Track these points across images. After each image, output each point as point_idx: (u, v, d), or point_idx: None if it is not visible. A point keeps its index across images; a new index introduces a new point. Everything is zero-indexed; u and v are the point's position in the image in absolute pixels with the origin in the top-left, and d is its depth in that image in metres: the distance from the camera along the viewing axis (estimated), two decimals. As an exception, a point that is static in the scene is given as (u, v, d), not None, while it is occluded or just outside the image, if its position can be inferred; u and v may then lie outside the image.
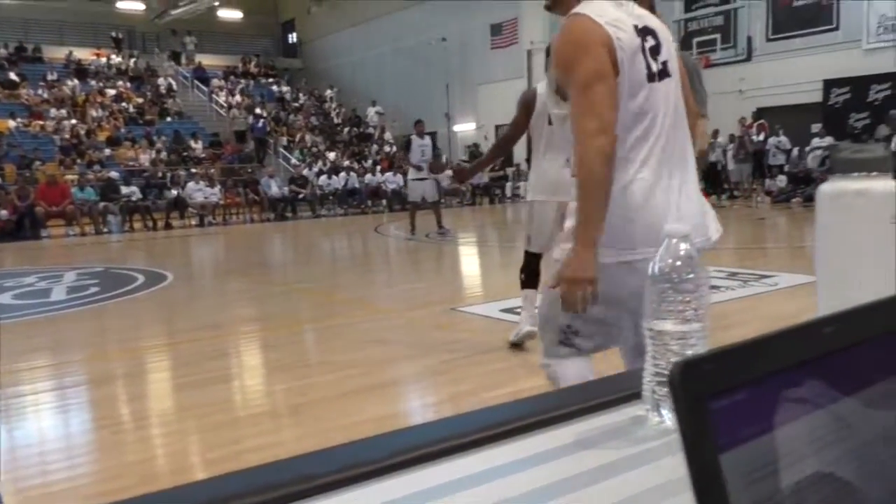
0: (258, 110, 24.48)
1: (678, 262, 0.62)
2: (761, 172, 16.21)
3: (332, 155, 23.16)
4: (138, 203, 16.99)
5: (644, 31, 1.87)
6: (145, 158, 20.50)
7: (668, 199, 1.85)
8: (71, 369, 5.03)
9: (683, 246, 0.62)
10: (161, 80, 26.71)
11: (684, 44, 17.70)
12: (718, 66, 17.47)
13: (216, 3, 27.32)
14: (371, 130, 26.42)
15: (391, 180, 20.11)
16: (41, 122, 21.63)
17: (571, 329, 2.01)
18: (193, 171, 19.45)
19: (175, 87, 26.88)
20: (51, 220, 15.88)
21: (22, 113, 21.86)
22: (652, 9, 2.10)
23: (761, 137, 16.15)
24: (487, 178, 21.58)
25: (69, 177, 17.69)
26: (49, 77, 24.44)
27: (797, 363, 0.35)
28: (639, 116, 1.86)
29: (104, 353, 5.39)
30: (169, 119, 24.45)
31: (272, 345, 5.39)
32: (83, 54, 26.83)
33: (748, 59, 17.20)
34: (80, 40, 27.70)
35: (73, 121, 22.13)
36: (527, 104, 4.29)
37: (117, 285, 8.19)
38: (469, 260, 10.58)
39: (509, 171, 21.67)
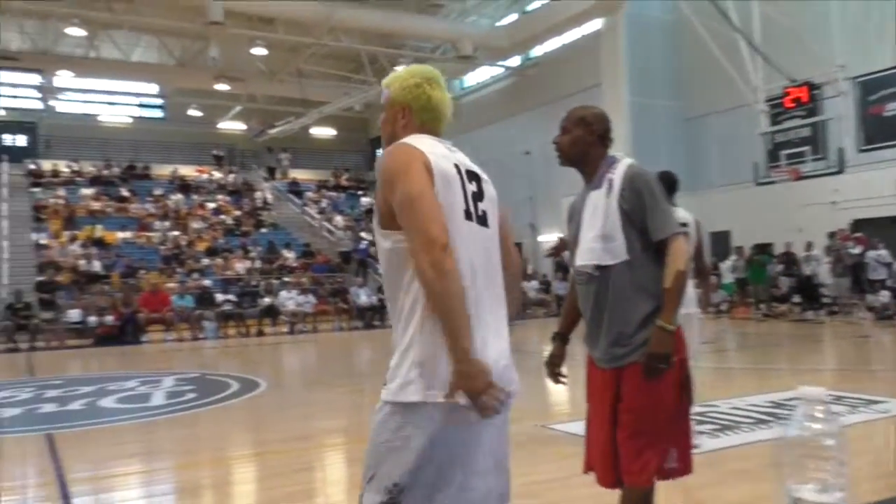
0: (362, 234, 25.22)
1: (817, 426, 0.64)
2: (861, 287, 15.57)
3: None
4: (233, 310, 17.61)
5: (468, 175, 1.95)
6: (241, 267, 21.38)
7: (491, 349, 1.85)
8: (161, 477, 5.16)
9: (820, 409, 0.64)
10: (258, 194, 28.15)
11: (772, 156, 17.56)
12: (810, 179, 17.17)
13: (310, 123, 28.90)
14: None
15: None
16: (147, 234, 22.99)
17: (398, 487, 1.83)
18: (286, 279, 20.12)
19: (270, 199, 28.23)
20: (151, 326, 16.61)
21: (131, 225, 23.32)
22: None
23: (858, 251, 15.61)
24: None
25: (169, 285, 18.58)
26: (156, 192, 26.14)
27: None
28: (465, 262, 1.84)
29: (195, 462, 5.49)
30: (264, 230, 25.57)
31: (360, 458, 5.38)
32: (187, 171, 28.68)
33: (840, 170, 16.88)
34: (184, 158, 29.67)
35: (176, 232, 23.44)
36: None
37: (213, 391, 8.43)
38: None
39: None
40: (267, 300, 18.19)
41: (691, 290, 4.89)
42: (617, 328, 2.61)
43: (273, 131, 29.44)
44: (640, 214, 2.60)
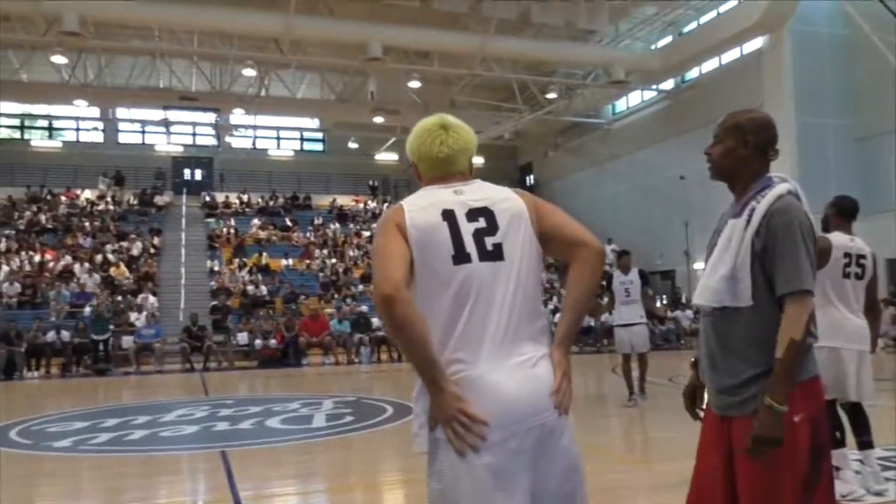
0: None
1: None
2: None
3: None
4: (386, 335, 18.14)
5: (472, 213, 2.01)
6: (393, 294, 21.98)
7: (498, 380, 1.89)
8: (316, 500, 5.40)
9: None
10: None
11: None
12: None
13: (462, 151, 29.47)
14: (607, 268, 26.37)
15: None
16: (308, 261, 24.22)
17: None
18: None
19: (422, 227, 28.93)
20: (310, 349, 17.41)
21: (293, 253, 24.67)
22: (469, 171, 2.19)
23: None
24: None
25: (327, 310, 19.43)
26: (315, 221, 27.54)
27: None
28: (458, 301, 1.92)
29: (349, 486, 5.66)
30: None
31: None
32: (344, 201, 30.04)
33: None
34: (342, 189, 31.11)
35: (334, 260, 24.54)
36: (822, 252, 4.33)
37: (369, 415, 8.70)
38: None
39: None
40: (419, 326, 18.60)
41: (865, 327, 4.54)
42: (727, 377, 2.32)
43: (426, 161, 30.28)
44: (771, 259, 2.25)
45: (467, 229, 1.99)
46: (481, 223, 2.00)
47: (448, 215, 1.99)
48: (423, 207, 2.01)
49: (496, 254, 1.98)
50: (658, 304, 20.22)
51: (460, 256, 1.95)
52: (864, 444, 4.57)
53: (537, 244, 2.06)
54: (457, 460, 1.86)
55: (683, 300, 23.32)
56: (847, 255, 4.50)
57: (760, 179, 2.38)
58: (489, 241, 1.99)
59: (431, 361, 1.87)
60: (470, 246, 1.97)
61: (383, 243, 1.95)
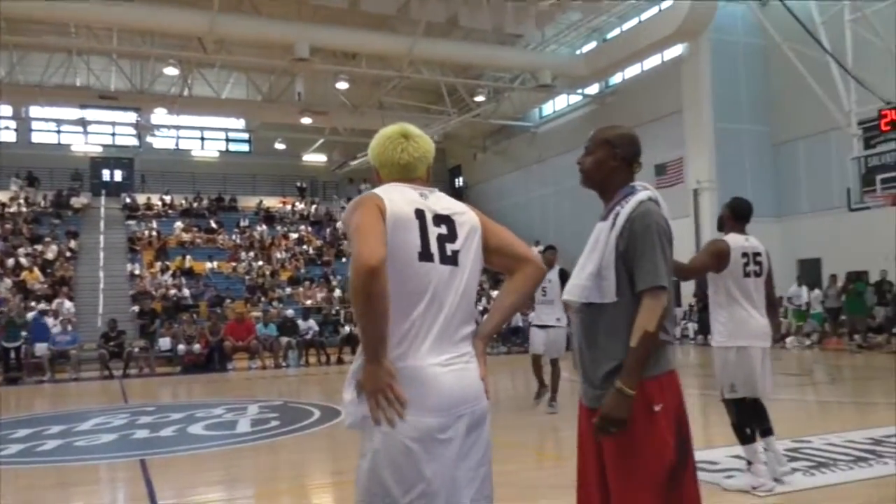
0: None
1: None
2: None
3: (496, 293, 23.52)
4: (314, 339, 17.93)
5: (436, 219, 2.15)
6: (322, 297, 21.78)
7: (436, 371, 2.03)
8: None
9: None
10: (339, 224, 28.74)
11: (866, 181, 16.83)
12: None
13: (391, 153, 29.40)
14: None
15: (555, 320, 19.96)
16: (234, 264, 23.73)
17: None
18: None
19: (351, 230, 28.73)
20: (236, 354, 17.05)
21: (218, 256, 24.12)
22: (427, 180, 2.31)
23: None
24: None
25: (254, 314, 19.06)
26: (242, 223, 27.01)
27: None
28: (415, 296, 2.05)
29: (276, 491, 5.57)
30: (345, 260, 26.01)
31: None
32: (271, 202, 29.57)
33: (941, 195, 16.05)
34: (269, 190, 30.64)
35: (261, 262, 24.11)
36: (722, 254, 4.67)
37: (295, 420, 8.57)
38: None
39: (678, 311, 20.95)
40: (347, 329, 18.43)
41: (767, 324, 4.73)
42: (591, 370, 2.50)
43: (354, 163, 30.10)
44: (631, 259, 2.45)
45: (433, 232, 2.13)
46: (443, 230, 2.16)
47: (420, 215, 2.13)
48: (395, 200, 2.12)
49: (453, 260, 2.14)
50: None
51: (425, 255, 2.09)
52: (766, 431, 4.79)
53: (482, 257, 2.24)
54: (390, 442, 1.97)
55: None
56: (745, 254, 4.71)
57: (625, 188, 2.60)
58: (449, 248, 2.15)
59: (383, 336, 1.97)
60: (434, 248, 2.12)
61: (367, 220, 2.02)
